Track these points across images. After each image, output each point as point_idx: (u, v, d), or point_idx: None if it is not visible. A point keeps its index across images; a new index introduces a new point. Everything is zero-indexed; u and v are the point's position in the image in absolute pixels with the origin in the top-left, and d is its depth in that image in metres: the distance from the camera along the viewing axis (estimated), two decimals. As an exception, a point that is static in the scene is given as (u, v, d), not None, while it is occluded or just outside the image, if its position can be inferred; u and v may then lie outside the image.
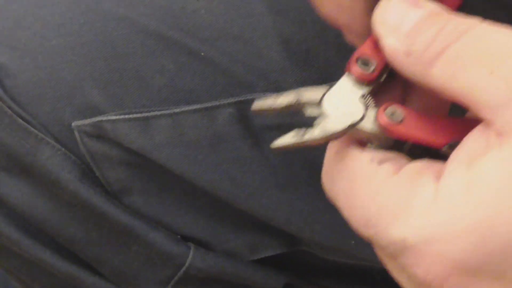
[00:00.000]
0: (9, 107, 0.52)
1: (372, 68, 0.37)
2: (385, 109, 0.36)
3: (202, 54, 0.52)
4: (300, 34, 0.52)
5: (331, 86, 0.38)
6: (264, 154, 0.52)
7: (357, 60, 0.37)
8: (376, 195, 0.34)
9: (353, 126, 0.37)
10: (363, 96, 0.37)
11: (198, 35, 0.52)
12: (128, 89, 0.52)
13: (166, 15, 0.52)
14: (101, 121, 0.51)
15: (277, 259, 0.56)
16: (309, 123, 0.37)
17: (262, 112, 0.39)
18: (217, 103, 0.51)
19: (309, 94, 0.38)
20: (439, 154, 0.36)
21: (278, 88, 0.51)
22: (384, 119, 0.36)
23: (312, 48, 0.52)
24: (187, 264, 0.54)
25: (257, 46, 0.52)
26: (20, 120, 0.52)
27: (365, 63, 0.37)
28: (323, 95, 0.37)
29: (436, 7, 0.35)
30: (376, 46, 0.37)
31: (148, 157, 0.52)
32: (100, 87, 0.52)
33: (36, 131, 0.52)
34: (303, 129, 0.36)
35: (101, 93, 0.52)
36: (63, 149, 0.52)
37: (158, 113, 0.51)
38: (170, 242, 0.54)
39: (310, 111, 0.38)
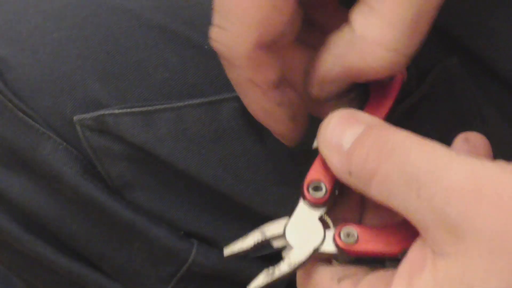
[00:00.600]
0: (10, 101, 0.52)
1: (323, 191, 0.41)
2: (340, 231, 0.40)
3: (206, 47, 0.52)
4: None
5: (290, 216, 0.41)
6: (268, 149, 0.52)
7: (308, 187, 0.41)
8: None
9: (315, 251, 0.40)
10: (320, 218, 0.41)
11: (202, 28, 0.51)
12: (131, 82, 0.52)
13: (169, 7, 0.52)
14: (103, 115, 0.51)
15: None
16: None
17: (234, 255, 0.43)
18: (221, 97, 0.51)
19: (272, 228, 0.42)
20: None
21: None
22: (340, 242, 0.40)
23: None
24: (190, 261, 0.53)
25: None
26: (21, 114, 0.52)
27: (317, 189, 0.41)
28: (285, 226, 0.41)
29: (372, 121, 0.39)
30: (325, 165, 0.40)
31: (151, 151, 0.51)
32: (102, 80, 0.51)
33: (37, 125, 0.52)
34: (271, 268, 0.41)
35: (103, 87, 0.51)
36: (64, 143, 0.52)
37: (161, 107, 0.51)
38: (173, 238, 0.53)
39: (276, 243, 0.42)
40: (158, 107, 0.51)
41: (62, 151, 0.52)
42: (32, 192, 0.53)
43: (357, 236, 0.40)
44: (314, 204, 0.41)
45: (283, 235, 0.41)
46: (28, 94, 0.52)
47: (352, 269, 0.40)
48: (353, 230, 0.40)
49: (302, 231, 0.41)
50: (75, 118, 0.51)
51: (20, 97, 0.52)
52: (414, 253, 0.37)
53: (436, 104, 0.53)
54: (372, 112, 0.43)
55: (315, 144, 0.42)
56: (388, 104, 0.43)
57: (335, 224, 0.41)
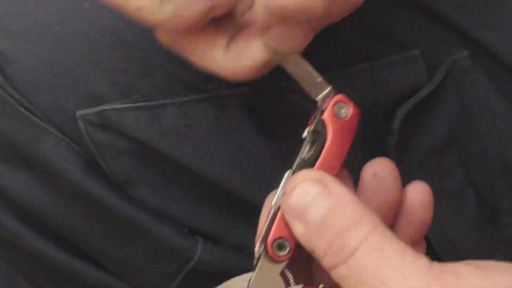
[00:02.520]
0: (11, 96, 0.51)
1: (287, 250, 0.42)
2: None
3: None
4: None
5: (254, 271, 0.42)
6: (274, 145, 0.51)
7: (272, 244, 0.42)
8: None
9: None
10: (282, 272, 0.42)
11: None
12: (134, 77, 0.51)
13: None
14: (106, 110, 0.50)
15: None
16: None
17: None
18: (227, 92, 0.50)
19: (237, 284, 0.45)
20: None
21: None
22: None
23: (327, 36, 0.51)
24: (195, 259, 0.53)
25: None
26: (22, 109, 0.51)
27: (281, 247, 0.42)
28: (249, 282, 0.43)
29: (339, 195, 0.39)
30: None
31: (154, 147, 0.51)
32: (105, 75, 0.51)
33: (38, 121, 0.51)
34: None
35: (106, 82, 0.51)
36: (66, 139, 0.51)
37: (165, 101, 0.50)
38: (177, 236, 0.53)
39: None
40: (162, 102, 0.50)
41: (63, 147, 0.51)
42: (33, 188, 0.53)
43: None
44: (278, 261, 0.42)
45: None
46: (29, 89, 0.51)
47: None
48: None
49: (265, 286, 0.42)
50: (78, 113, 0.51)
51: (21, 92, 0.51)
52: None
53: (446, 98, 0.52)
54: (330, 156, 0.42)
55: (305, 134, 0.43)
56: (346, 145, 0.43)
57: (295, 280, 0.42)
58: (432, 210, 0.45)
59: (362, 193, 0.44)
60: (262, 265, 0.42)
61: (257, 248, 0.43)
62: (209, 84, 0.51)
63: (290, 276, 0.42)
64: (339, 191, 0.39)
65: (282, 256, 0.42)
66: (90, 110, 0.51)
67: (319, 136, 0.43)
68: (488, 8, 0.51)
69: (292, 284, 0.42)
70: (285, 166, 0.52)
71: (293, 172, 0.42)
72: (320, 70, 0.51)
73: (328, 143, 0.42)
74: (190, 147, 0.51)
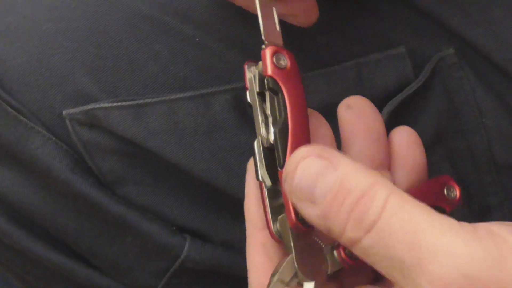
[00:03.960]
0: None
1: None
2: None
3: (197, 39, 0.51)
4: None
5: (293, 252, 0.41)
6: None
7: (298, 219, 0.40)
8: None
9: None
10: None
11: (193, 20, 0.51)
12: (121, 76, 0.51)
13: None
14: (93, 109, 0.50)
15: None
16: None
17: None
18: (213, 89, 0.51)
19: (285, 271, 0.41)
20: None
21: None
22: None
23: (314, 34, 0.52)
24: (183, 256, 0.53)
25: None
26: (9, 108, 0.51)
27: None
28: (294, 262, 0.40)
29: (347, 165, 0.36)
30: None
31: (142, 145, 0.51)
32: (92, 74, 0.51)
33: (25, 120, 0.51)
34: None
35: (93, 80, 0.51)
36: (54, 138, 0.51)
37: (152, 100, 0.50)
38: (165, 234, 0.53)
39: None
40: (149, 100, 0.50)
41: (51, 146, 0.51)
42: (22, 187, 0.53)
43: None
44: (306, 233, 0.41)
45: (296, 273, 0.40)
46: (17, 88, 0.51)
47: None
48: None
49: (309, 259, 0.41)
50: (65, 112, 0.51)
51: (8, 91, 0.51)
52: None
53: (433, 95, 0.52)
54: (297, 110, 0.41)
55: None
56: (303, 94, 0.42)
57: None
58: (422, 150, 0.44)
59: (343, 131, 0.43)
60: (296, 243, 0.40)
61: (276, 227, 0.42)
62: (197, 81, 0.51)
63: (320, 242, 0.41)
64: (343, 161, 0.36)
65: (306, 226, 0.40)
66: (77, 109, 0.51)
67: (271, 94, 0.42)
68: (475, 6, 0.51)
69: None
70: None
71: (269, 135, 0.41)
72: (307, 67, 0.51)
73: (288, 97, 0.41)
74: (177, 145, 0.51)
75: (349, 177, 0.36)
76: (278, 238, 0.41)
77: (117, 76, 0.51)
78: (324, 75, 0.51)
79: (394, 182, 0.43)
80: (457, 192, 0.45)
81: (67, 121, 0.51)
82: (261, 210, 0.42)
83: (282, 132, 0.40)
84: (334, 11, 0.51)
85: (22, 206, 0.53)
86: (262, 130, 0.41)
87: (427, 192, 0.44)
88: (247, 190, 0.43)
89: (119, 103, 0.50)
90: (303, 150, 0.37)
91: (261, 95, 0.42)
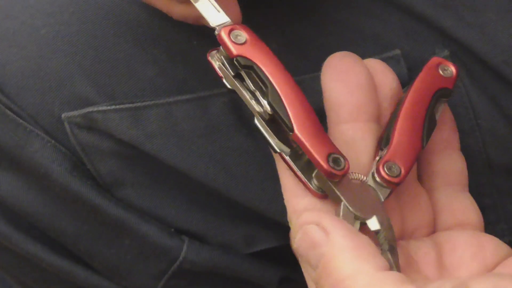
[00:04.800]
0: None
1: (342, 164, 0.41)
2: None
3: (195, 42, 0.51)
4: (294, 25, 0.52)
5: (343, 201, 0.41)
6: (258, 144, 0.52)
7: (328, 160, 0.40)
8: None
9: None
10: None
11: (191, 24, 0.51)
12: (119, 79, 0.51)
13: None
14: (92, 112, 0.51)
15: (274, 253, 0.56)
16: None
17: None
18: (210, 92, 0.51)
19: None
20: None
21: None
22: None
23: (308, 36, 0.52)
24: (181, 258, 0.53)
25: None
26: (8, 112, 0.51)
27: (336, 161, 0.40)
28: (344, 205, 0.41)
29: (336, 247, 0.38)
30: None
31: (140, 148, 0.51)
32: (90, 77, 0.51)
33: (25, 123, 0.51)
34: None
35: (91, 84, 0.51)
36: (52, 141, 0.51)
37: (150, 103, 0.51)
38: (163, 235, 0.53)
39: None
40: (147, 103, 0.51)
41: (50, 149, 0.51)
42: (21, 190, 0.53)
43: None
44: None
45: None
46: (15, 91, 0.52)
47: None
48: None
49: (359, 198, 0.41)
50: (63, 115, 0.51)
51: (7, 95, 0.52)
52: None
53: None
54: (282, 80, 0.42)
55: None
56: (278, 61, 0.42)
57: None
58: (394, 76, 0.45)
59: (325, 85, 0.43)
60: (340, 189, 0.41)
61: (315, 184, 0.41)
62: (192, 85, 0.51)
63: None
64: (336, 234, 0.38)
65: (340, 170, 0.40)
66: (76, 112, 0.51)
67: (247, 71, 0.42)
68: (468, 9, 0.51)
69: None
70: (269, 165, 0.52)
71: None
72: (304, 70, 0.51)
73: (263, 66, 0.42)
74: (175, 148, 0.51)
75: (334, 258, 0.38)
76: (321, 194, 0.41)
77: (115, 80, 0.51)
78: (320, 78, 0.51)
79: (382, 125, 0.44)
80: (452, 68, 0.46)
81: (66, 124, 0.51)
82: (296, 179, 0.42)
83: (274, 99, 0.41)
84: (330, 13, 0.51)
85: (21, 209, 0.53)
86: (256, 107, 0.42)
87: (426, 80, 0.45)
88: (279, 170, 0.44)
89: (117, 106, 0.51)
90: (307, 215, 0.40)
91: (238, 76, 0.43)
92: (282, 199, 0.52)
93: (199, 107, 0.51)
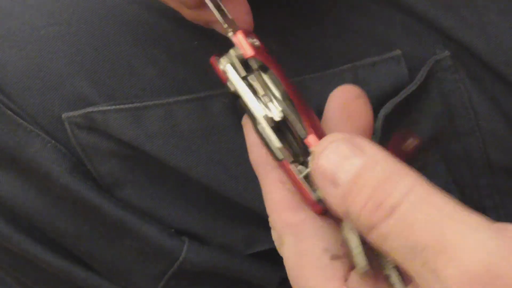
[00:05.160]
0: None
1: None
2: None
3: (195, 43, 0.51)
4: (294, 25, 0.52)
5: None
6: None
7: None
8: None
9: None
10: None
11: (191, 24, 0.51)
12: (119, 79, 0.51)
13: (158, 3, 0.51)
14: (92, 112, 0.51)
15: (274, 253, 0.56)
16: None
17: None
18: (210, 93, 0.51)
19: None
20: None
21: None
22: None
23: (308, 36, 0.52)
24: (181, 258, 0.53)
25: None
26: (9, 112, 0.51)
27: None
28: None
29: (374, 153, 0.36)
30: None
31: (140, 148, 0.51)
32: (90, 77, 0.51)
33: (25, 123, 0.51)
34: None
35: (91, 84, 0.51)
36: (53, 141, 0.51)
37: (150, 103, 0.51)
38: (163, 236, 0.53)
39: None
40: (147, 103, 0.51)
41: (50, 149, 0.51)
42: (21, 190, 0.53)
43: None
44: None
45: None
46: (16, 92, 0.52)
47: (344, 250, 0.38)
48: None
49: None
50: (64, 115, 0.51)
51: (8, 95, 0.52)
52: None
53: (429, 98, 0.52)
54: (290, 85, 0.42)
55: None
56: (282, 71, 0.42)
57: None
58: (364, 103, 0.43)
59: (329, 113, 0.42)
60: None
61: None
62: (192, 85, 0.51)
63: None
64: (371, 149, 0.36)
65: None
66: (76, 113, 0.51)
67: (257, 74, 0.42)
68: (469, 9, 0.51)
69: None
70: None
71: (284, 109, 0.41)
72: (303, 71, 0.51)
73: (275, 71, 0.41)
74: (175, 148, 0.51)
75: (374, 163, 0.36)
76: (322, 207, 0.40)
77: (116, 80, 0.51)
78: (320, 79, 0.51)
79: None
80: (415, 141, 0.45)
81: (66, 124, 0.51)
82: (264, 151, 0.41)
83: (289, 104, 0.41)
84: (331, 14, 0.51)
85: (21, 210, 0.53)
86: (264, 111, 0.41)
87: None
88: (248, 139, 0.42)
89: (118, 106, 0.51)
90: (334, 134, 0.37)
91: (244, 79, 0.42)
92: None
93: (199, 108, 0.51)
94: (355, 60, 0.52)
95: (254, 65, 0.41)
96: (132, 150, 0.51)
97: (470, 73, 0.52)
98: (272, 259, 0.56)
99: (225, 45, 0.51)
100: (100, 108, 0.51)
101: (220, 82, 0.44)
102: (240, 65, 0.42)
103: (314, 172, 0.37)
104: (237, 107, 0.51)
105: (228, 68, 0.42)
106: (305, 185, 0.40)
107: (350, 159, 0.36)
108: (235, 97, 0.42)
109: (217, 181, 0.52)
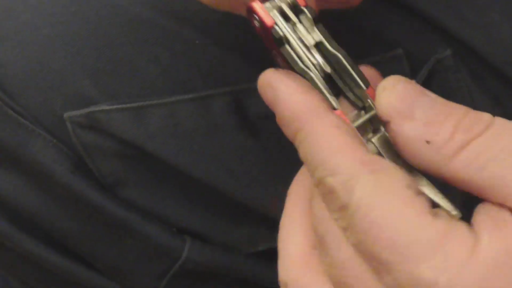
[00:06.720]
0: None
1: None
2: None
3: (197, 42, 0.51)
4: None
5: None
6: (261, 144, 0.52)
7: None
8: (412, 228, 0.34)
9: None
10: None
11: (193, 23, 0.51)
12: (121, 78, 0.51)
13: (160, 2, 0.52)
14: (94, 111, 0.51)
15: (276, 252, 0.56)
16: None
17: None
18: (213, 92, 0.51)
19: None
20: None
21: None
22: None
23: None
24: (183, 258, 0.53)
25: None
26: (11, 111, 0.51)
27: None
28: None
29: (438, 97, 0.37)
30: None
31: (142, 148, 0.51)
32: (92, 77, 0.51)
33: (27, 123, 0.51)
34: None
35: (93, 83, 0.51)
36: (54, 140, 0.51)
37: (152, 102, 0.51)
38: (165, 235, 0.53)
39: None
40: (149, 102, 0.51)
41: (52, 148, 0.51)
42: (23, 190, 0.53)
43: None
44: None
45: None
46: (17, 91, 0.52)
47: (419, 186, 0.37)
48: None
49: None
50: (65, 115, 0.51)
51: (9, 94, 0.52)
52: (498, 213, 0.35)
53: None
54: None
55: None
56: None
57: None
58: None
59: None
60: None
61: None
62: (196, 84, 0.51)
63: None
64: (434, 94, 0.37)
65: None
66: (78, 112, 0.51)
67: (308, 24, 0.41)
68: (471, 9, 0.51)
69: None
70: (271, 165, 0.52)
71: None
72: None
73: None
74: (177, 147, 0.51)
75: (446, 101, 0.36)
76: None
77: (118, 79, 0.51)
78: None
79: None
80: None
81: (68, 124, 0.51)
82: (312, 96, 0.39)
83: (344, 55, 0.40)
84: (332, 12, 0.51)
85: (23, 209, 0.53)
86: (313, 60, 0.40)
87: None
88: (283, 91, 0.40)
89: (120, 106, 0.51)
90: (395, 76, 0.38)
91: (294, 26, 0.40)
92: (285, 198, 0.52)
93: (201, 107, 0.51)
94: (356, 59, 0.52)
95: (309, 13, 0.40)
96: (134, 150, 0.51)
97: (472, 72, 0.52)
98: (275, 258, 0.56)
99: (226, 45, 0.51)
100: (102, 108, 0.51)
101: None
102: (290, 11, 0.40)
103: (384, 105, 0.37)
104: (238, 106, 0.51)
105: (276, 15, 0.40)
106: (359, 136, 0.38)
107: (423, 96, 0.36)
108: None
109: (219, 181, 0.52)
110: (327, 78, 0.40)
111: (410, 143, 0.36)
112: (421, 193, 0.36)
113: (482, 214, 0.36)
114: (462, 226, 0.35)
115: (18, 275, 0.59)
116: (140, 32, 0.51)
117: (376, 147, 0.39)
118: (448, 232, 0.34)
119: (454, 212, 0.37)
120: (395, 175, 0.36)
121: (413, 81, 0.38)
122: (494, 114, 0.52)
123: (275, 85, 0.40)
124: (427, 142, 0.36)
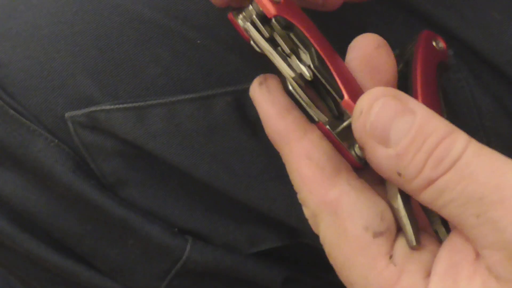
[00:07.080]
0: (0, 98, 0.51)
1: None
2: None
3: (198, 42, 0.51)
4: None
5: None
6: (262, 144, 0.52)
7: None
8: (366, 274, 0.37)
9: None
10: None
11: (194, 23, 0.51)
12: (122, 78, 0.51)
13: (161, 2, 0.52)
14: (95, 111, 0.51)
15: (277, 252, 0.56)
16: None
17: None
18: (214, 92, 0.51)
19: None
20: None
21: None
22: None
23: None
24: (184, 258, 0.53)
25: None
26: (12, 111, 0.51)
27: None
28: None
29: (424, 111, 0.36)
30: None
31: (143, 147, 0.51)
32: (93, 77, 0.51)
33: (28, 122, 0.51)
34: None
35: (94, 83, 0.51)
36: (56, 140, 0.51)
37: (154, 102, 0.51)
38: (167, 235, 0.53)
39: None
40: (150, 102, 0.51)
41: (53, 148, 0.51)
42: (24, 190, 0.53)
43: None
44: None
45: None
46: (19, 91, 0.52)
47: (386, 224, 0.38)
48: None
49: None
50: (67, 114, 0.51)
51: (11, 94, 0.52)
52: (459, 256, 0.36)
53: None
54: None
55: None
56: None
57: None
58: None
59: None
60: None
61: None
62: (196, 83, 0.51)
63: None
64: (420, 106, 0.36)
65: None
66: (79, 112, 0.51)
67: (282, 33, 0.40)
68: (472, 9, 0.51)
69: None
70: (272, 165, 0.52)
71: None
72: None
73: (303, 28, 0.40)
74: (178, 147, 0.51)
75: (428, 121, 0.35)
76: (362, 164, 0.39)
77: (119, 79, 0.51)
78: None
79: None
80: (441, 42, 0.44)
81: (69, 124, 0.51)
82: (287, 121, 0.39)
83: (321, 63, 0.39)
84: (333, 12, 0.51)
85: (24, 209, 0.53)
86: (292, 72, 0.39)
87: (428, 55, 0.43)
88: (263, 112, 0.40)
89: (121, 106, 0.51)
90: (379, 89, 0.36)
91: (270, 40, 0.40)
92: (285, 198, 0.52)
93: (202, 107, 0.51)
94: None
95: (278, 24, 0.39)
96: (135, 149, 0.51)
97: (473, 72, 0.52)
98: (276, 258, 0.56)
99: (227, 45, 0.51)
100: (104, 107, 0.51)
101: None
102: (261, 24, 0.39)
103: (359, 130, 0.36)
104: (239, 106, 0.51)
105: (249, 27, 0.40)
106: (343, 146, 0.39)
107: (402, 118, 0.36)
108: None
109: (220, 180, 0.52)
110: (309, 84, 0.40)
111: (383, 171, 0.37)
112: (380, 234, 0.37)
113: (445, 249, 0.37)
114: (415, 271, 0.36)
115: (18, 274, 0.59)
116: (142, 32, 0.51)
117: (357, 155, 0.39)
118: (399, 278, 0.36)
119: (414, 243, 0.37)
120: (354, 217, 0.37)
121: (398, 93, 0.36)
122: (495, 113, 0.52)
123: (257, 105, 0.41)
124: (398, 174, 0.36)
